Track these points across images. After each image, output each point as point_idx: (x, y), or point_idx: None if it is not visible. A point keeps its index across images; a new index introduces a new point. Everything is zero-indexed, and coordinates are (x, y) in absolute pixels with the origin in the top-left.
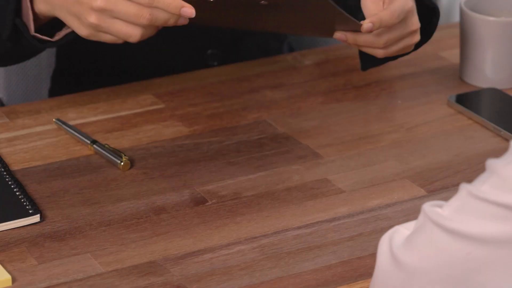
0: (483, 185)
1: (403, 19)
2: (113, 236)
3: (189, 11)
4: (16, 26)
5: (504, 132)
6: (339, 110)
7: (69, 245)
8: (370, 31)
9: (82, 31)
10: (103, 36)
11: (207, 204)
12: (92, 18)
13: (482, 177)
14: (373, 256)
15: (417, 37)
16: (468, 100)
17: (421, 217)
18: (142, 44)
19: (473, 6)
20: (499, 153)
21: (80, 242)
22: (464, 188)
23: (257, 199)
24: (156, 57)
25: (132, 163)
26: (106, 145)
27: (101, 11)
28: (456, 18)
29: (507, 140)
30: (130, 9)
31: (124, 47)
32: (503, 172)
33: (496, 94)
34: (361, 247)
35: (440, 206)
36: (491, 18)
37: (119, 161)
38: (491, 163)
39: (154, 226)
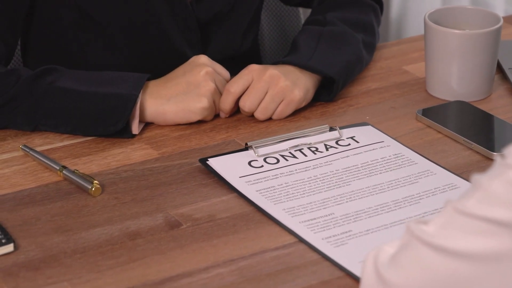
0: (468, 201)
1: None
2: (89, 264)
3: None
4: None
5: (475, 145)
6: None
7: (45, 274)
8: (226, 116)
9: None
10: None
11: (181, 227)
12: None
13: (468, 193)
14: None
15: (292, 95)
16: (436, 113)
17: (406, 234)
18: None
19: (437, 19)
20: (472, 166)
21: (55, 271)
22: (450, 204)
23: (232, 221)
24: None
25: (102, 188)
26: (76, 171)
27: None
28: (406, 33)
29: (479, 153)
30: None
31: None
32: (489, 187)
33: (464, 106)
34: (340, 268)
35: (425, 223)
36: (456, 31)
37: (90, 187)
38: (477, 178)
39: (130, 251)
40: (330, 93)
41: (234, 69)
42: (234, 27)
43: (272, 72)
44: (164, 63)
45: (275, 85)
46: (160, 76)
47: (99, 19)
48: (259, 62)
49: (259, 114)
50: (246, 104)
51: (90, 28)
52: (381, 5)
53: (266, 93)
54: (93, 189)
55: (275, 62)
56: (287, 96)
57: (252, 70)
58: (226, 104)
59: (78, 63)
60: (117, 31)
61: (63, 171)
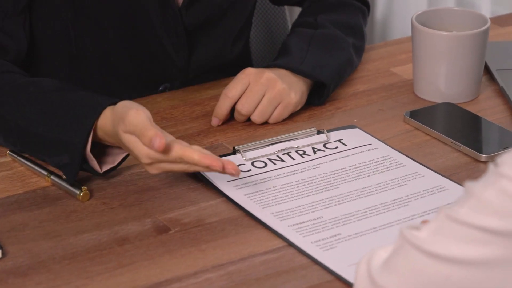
0: (461, 208)
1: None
2: (78, 269)
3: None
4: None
5: (463, 147)
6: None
7: (33, 280)
8: (218, 124)
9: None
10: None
11: (170, 232)
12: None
13: (461, 200)
14: (341, 280)
15: (288, 98)
16: (424, 115)
17: (399, 239)
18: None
19: (424, 21)
20: (460, 168)
21: (44, 277)
22: (443, 211)
23: (220, 225)
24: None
25: (90, 193)
26: (64, 176)
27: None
28: (392, 35)
29: (467, 155)
30: (174, 167)
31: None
32: (482, 195)
33: (452, 108)
34: (329, 272)
35: (418, 229)
36: (443, 33)
37: (78, 192)
38: (469, 186)
39: (119, 257)
40: (320, 97)
41: (226, 75)
42: (225, 34)
43: (269, 75)
44: (151, 63)
45: (272, 88)
46: (147, 75)
47: (93, 15)
48: (250, 66)
49: (256, 118)
50: (244, 107)
51: (79, 16)
52: (368, 8)
53: (263, 96)
54: (81, 194)
55: (267, 66)
56: (284, 99)
57: (249, 74)
58: (223, 109)
59: (70, 53)
60: (109, 26)
61: (51, 177)
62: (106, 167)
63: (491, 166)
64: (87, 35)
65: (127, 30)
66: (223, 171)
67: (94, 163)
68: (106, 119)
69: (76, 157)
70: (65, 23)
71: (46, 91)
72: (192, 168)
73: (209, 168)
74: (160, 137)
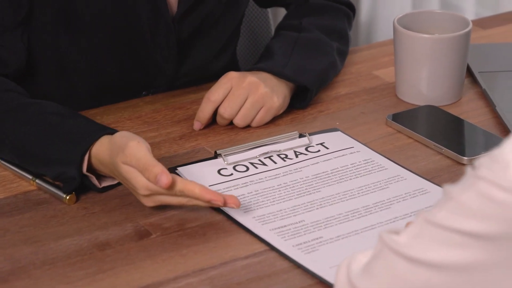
0: (440, 212)
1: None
2: (58, 275)
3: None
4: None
5: (445, 150)
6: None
7: (14, 286)
8: (200, 128)
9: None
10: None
11: (151, 237)
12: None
13: (439, 203)
14: (324, 283)
15: (271, 101)
16: (406, 118)
17: (378, 244)
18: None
19: (406, 24)
20: (442, 171)
21: (25, 283)
22: (421, 214)
23: (202, 230)
24: (92, 96)
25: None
26: (48, 180)
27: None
28: (376, 37)
29: (449, 158)
30: (173, 200)
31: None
32: (460, 198)
33: (434, 111)
34: (311, 275)
35: (398, 233)
36: (425, 35)
37: (64, 195)
38: (448, 189)
39: (99, 262)
40: (303, 100)
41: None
42: (215, 42)
43: (251, 79)
44: (140, 72)
45: (255, 92)
46: (134, 83)
47: (85, 19)
48: None
49: (238, 121)
50: (226, 111)
51: (72, 29)
52: (354, 11)
53: (246, 100)
54: (67, 197)
55: (249, 69)
56: (267, 103)
57: (231, 78)
58: (206, 113)
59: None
60: (100, 37)
61: (36, 180)
62: (105, 183)
63: (469, 169)
64: (77, 45)
65: (118, 41)
66: (224, 205)
67: (93, 179)
68: (102, 148)
69: (75, 171)
70: (57, 35)
71: (45, 112)
72: (191, 202)
73: (210, 203)
74: (167, 174)
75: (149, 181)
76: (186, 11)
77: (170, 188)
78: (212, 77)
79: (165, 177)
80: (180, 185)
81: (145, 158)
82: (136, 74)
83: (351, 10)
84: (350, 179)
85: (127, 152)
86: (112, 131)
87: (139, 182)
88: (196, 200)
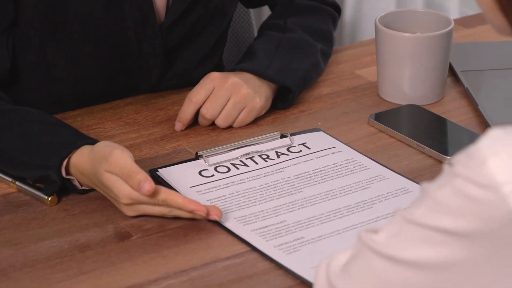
0: (417, 209)
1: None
2: (38, 277)
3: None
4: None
5: (427, 149)
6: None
7: None
8: (182, 129)
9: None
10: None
11: (132, 238)
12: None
13: (416, 201)
14: (305, 284)
15: (253, 102)
16: (388, 118)
17: (357, 243)
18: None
19: (388, 23)
20: (425, 170)
21: (4, 286)
22: (399, 213)
23: (183, 231)
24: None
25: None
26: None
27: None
28: (361, 37)
29: (431, 157)
30: (154, 210)
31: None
32: (437, 195)
33: (416, 110)
34: (292, 275)
35: (376, 232)
36: (406, 34)
37: (46, 197)
38: (424, 186)
39: (80, 264)
40: (285, 101)
41: None
42: (201, 48)
43: (233, 80)
44: (125, 78)
45: (237, 92)
46: (118, 88)
47: (72, 27)
48: None
49: (220, 122)
50: (208, 112)
51: (59, 36)
52: (339, 12)
53: (228, 100)
54: (49, 199)
55: (232, 69)
56: (249, 103)
57: (214, 79)
58: (188, 113)
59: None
60: (86, 45)
61: (16, 183)
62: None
63: (446, 166)
64: (63, 53)
65: (105, 48)
66: (207, 216)
67: (74, 181)
68: (83, 157)
69: (55, 175)
70: (44, 42)
71: (27, 120)
72: (173, 213)
73: (193, 213)
74: (150, 181)
75: (133, 189)
76: (174, 20)
77: (153, 196)
78: (197, 82)
79: (148, 184)
80: (163, 194)
81: (130, 165)
82: (121, 80)
83: (337, 11)
84: (332, 179)
85: (111, 160)
86: (93, 141)
87: (122, 190)
88: (178, 210)
